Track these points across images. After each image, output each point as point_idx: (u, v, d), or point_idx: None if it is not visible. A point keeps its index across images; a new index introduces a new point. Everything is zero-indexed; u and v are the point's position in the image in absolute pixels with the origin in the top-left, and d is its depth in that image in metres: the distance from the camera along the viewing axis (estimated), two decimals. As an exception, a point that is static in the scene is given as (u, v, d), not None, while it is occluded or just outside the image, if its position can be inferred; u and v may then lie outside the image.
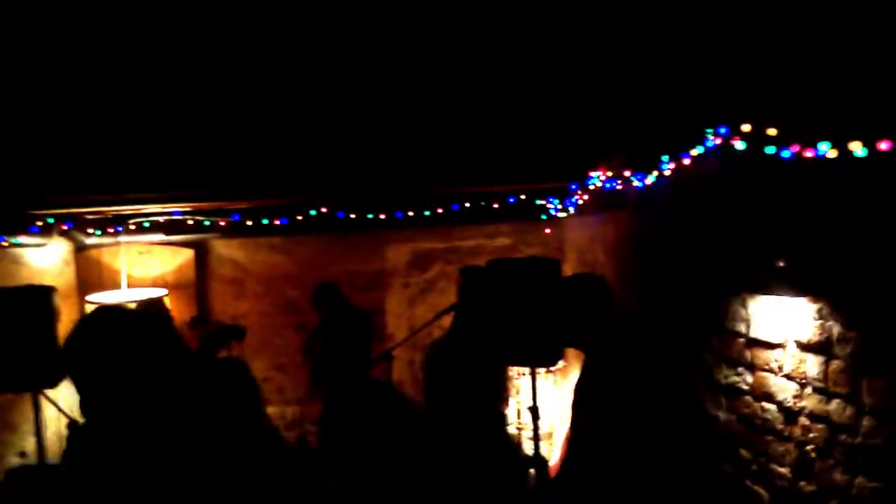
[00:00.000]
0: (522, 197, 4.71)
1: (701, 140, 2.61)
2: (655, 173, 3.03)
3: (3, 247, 3.88)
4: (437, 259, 5.39)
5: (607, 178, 3.57)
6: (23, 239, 4.00)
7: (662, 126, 2.92)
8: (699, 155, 2.69)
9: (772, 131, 2.23)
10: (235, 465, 1.68)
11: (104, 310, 1.70)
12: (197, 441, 1.60)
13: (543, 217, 4.98)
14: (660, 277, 3.36)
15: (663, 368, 3.43)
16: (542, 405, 4.33)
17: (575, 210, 4.56)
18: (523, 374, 4.63)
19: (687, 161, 2.76)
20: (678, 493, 2.97)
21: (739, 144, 2.39)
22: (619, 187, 3.49)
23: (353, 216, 4.73)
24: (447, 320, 4.66)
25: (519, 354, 3.97)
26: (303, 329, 4.95)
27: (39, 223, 4.07)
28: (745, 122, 2.36)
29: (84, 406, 1.50)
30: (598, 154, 3.59)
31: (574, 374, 4.30)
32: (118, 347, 1.49)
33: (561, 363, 4.50)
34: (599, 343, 3.69)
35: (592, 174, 3.71)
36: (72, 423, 4.09)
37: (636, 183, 3.24)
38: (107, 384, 1.48)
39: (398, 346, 4.60)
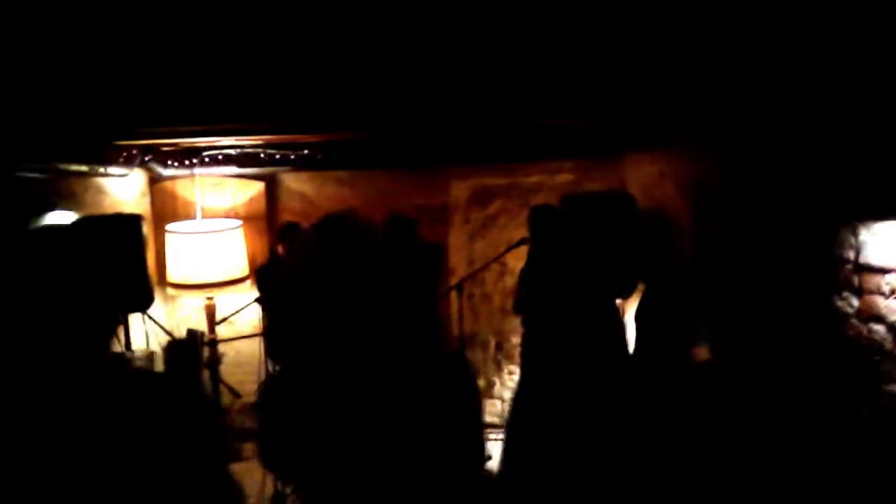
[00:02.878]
0: (589, 131, 4.70)
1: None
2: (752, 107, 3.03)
3: (93, 175, 3.96)
4: (498, 195, 5.44)
5: (686, 108, 3.55)
6: (110, 169, 4.08)
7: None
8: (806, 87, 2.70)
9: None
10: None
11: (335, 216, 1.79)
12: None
13: (607, 152, 5.00)
14: (751, 211, 3.40)
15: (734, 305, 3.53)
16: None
17: (641, 144, 4.57)
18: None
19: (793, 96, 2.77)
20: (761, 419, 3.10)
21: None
22: (701, 118, 3.49)
23: (418, 150, 4.76)
24: (508, 255, 4.78)
25: (600, 286, 4.08)
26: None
27: (125, 154, 4.14)
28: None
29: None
30: (678, 84, 3.58)
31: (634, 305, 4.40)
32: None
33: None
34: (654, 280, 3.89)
35: (668, 105, 3.70)
36: (170, 343, 4.26)
37: (724, 114, 3.24)
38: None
39: (468, 279, 4.72)
